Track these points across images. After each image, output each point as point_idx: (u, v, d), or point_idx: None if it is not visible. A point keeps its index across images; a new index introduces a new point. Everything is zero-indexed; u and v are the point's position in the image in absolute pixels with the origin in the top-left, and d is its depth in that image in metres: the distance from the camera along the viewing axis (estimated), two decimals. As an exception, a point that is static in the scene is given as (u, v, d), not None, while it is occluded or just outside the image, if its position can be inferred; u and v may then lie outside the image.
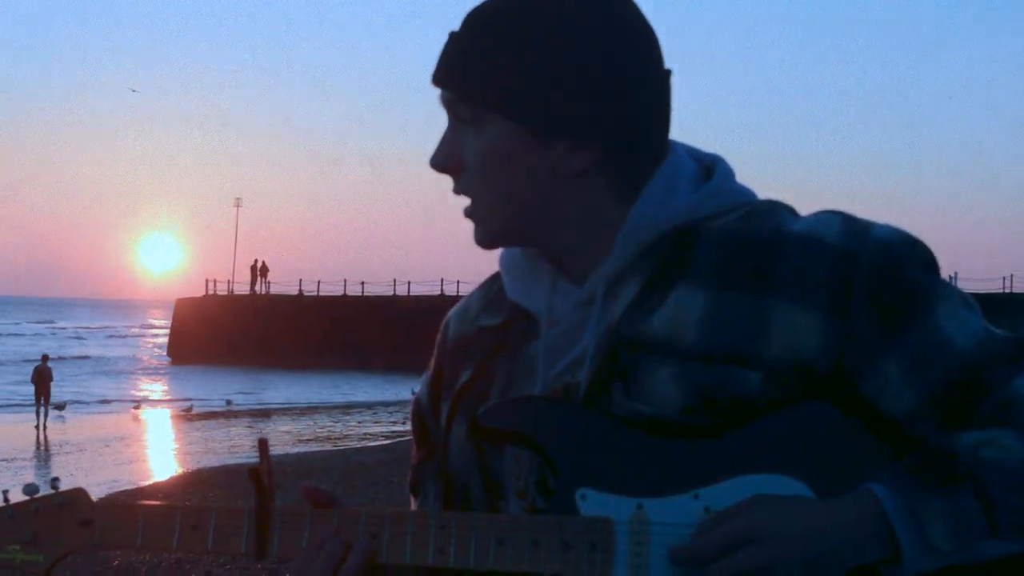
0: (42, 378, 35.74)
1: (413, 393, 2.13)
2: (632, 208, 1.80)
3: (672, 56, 1.83)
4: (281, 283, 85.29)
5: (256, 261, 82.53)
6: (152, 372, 64.96)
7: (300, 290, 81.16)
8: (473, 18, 1.81)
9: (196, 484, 20.60)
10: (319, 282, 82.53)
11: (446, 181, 1.84)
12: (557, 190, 1.79)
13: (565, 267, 1.85)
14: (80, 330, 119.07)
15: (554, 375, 1.81)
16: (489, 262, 1.96)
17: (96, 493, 1.86)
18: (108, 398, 45.16)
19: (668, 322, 1.74)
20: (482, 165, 1.79)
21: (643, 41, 1.79)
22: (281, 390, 50.67)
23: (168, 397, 47.58)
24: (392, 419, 36.84)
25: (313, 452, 26.68)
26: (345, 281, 79.49)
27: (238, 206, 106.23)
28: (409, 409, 2.10)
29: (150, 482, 22.27)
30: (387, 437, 30.63)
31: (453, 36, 1.82)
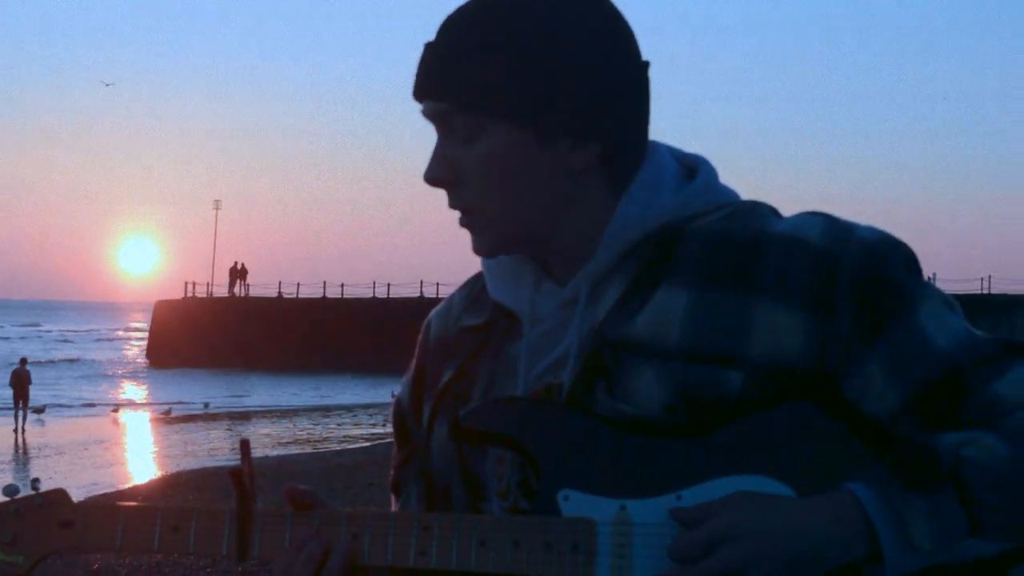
0: (20, 381, 35.61)
1: (393, 395, 2.12)
2: (617, 208, 1.80)
3: (652, 54, 1.82)
4: (260, 285, 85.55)
5: (235, 263, 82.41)
6: (132, 375, 64.74)
7: (279, 292, 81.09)
8: (454, 26, 1.77)
9: (175, 487, 20.55)
10: (298, 284, 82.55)
11: (426, 184, 1.82)
12: (561, 191, 1.78)
13: (550, 267, 1.85)
14: (67, 333, 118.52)
15: (536, 375, 1.81)
16: (468, 264, 1.95)
17: (75, 496, 1.85)
18: (87, 401, 45.04)
19: (652, 323, 1.74)
20: (487, 173, 1.76)
21: (629, 35, 1.79)
22: (260, 393, 50.59)
23: (148, 400, 47.43)
24: (372, 421, 36.82)
25: (293, 455, 26.62)
26: (325, 283, 79.57)
27: (217, 208, 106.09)
28: (389, 411, 2.09)
29: (129, 485, 22.21)
30: (367, 439, 30.59)
31: (433, 47, 1.78)
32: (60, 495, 1.84)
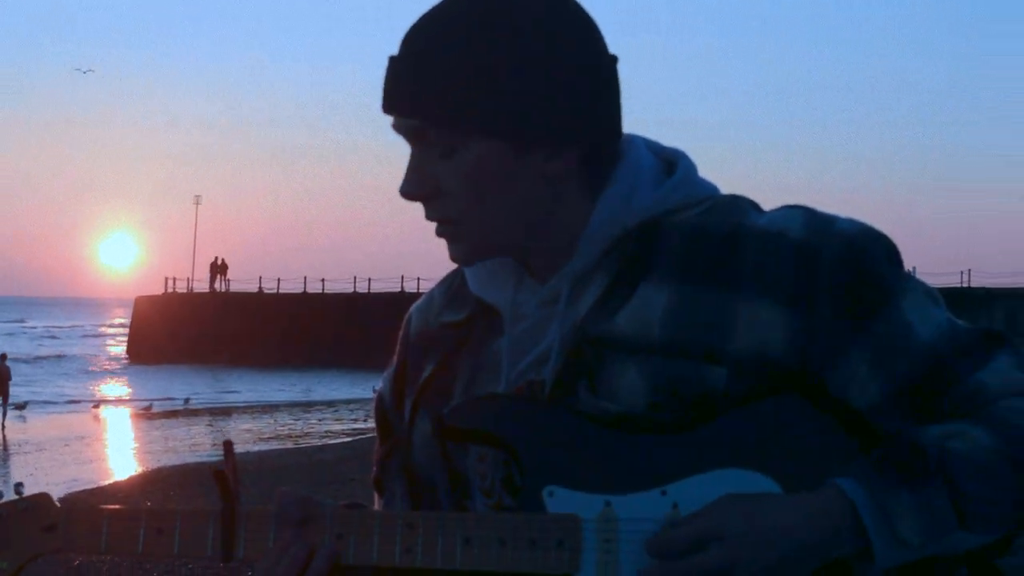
0: (1, 378, 35.49)
1: (375, 391, 2.12)
2: (596, 205, 1.79)
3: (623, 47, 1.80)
4: (241, 281, 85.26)
5: (216, 259, 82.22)
6: (113, 372, 64.55)
7: (260, 288, 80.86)
8: (421, 38, 1.74)
9: (156, 483, 20.53)
10: (279, 279, 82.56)
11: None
12: (542, 197, 1.77)
13: (530, 265, 1.85)
14: (52, 329, 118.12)
15: (518, 372, 1.81)
16: (448, 259, 1.91)
17: (56, 492, 1.86)
18: (70, 398, 44.91)
19: (633, 319, 1.74)
20: (467, 187, 1.74)
21: (596, 34, 1.77)
22: (241, 388, 50.50)
23: (128, 396, 47.32)
24: (353, 416, 36.79)
25: (274, 450, 26.61)
26: (305, 278, 79.33)
27: (197, 203, 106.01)
28: (370, 407, 2.09)
29: (110, 481, 22.18)
30: (348, 435, 30.59)
31: (400, 60, 1.75)
32: (44, 499, 1.83)
